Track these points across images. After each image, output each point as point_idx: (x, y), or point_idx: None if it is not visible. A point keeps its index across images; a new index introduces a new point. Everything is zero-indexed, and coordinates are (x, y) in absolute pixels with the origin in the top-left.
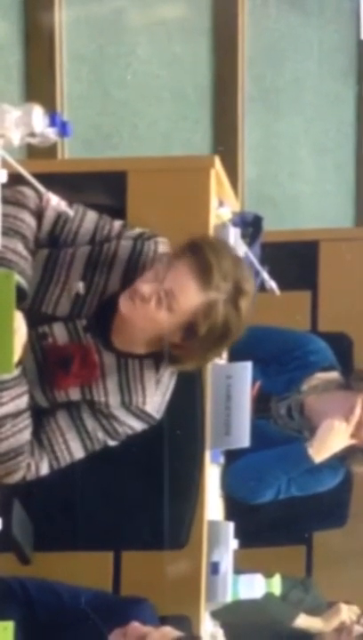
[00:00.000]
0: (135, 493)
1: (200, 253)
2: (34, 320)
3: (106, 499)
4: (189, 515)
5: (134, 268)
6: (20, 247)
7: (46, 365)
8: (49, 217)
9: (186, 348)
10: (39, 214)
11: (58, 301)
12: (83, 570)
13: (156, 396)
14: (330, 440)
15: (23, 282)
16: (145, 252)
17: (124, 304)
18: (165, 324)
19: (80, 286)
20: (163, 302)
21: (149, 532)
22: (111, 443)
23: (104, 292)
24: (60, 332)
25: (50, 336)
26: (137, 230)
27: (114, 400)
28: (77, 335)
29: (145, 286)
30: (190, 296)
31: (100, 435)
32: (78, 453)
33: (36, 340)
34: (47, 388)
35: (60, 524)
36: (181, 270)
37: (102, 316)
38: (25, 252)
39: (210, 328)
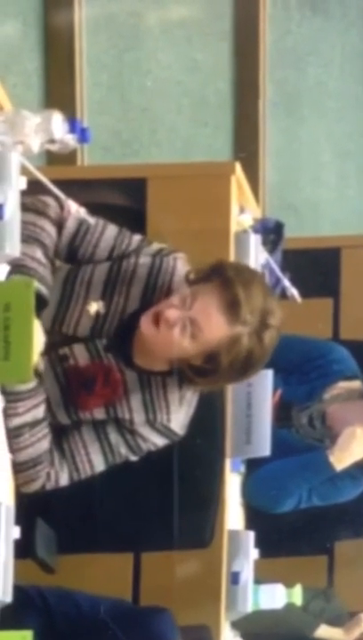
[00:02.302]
0: (155, 501)
1: (230, 285)
2: (54, 341)
3: (127, 506)
4: (212, 517)
5: (153, 285)
6: (39, 254)
7: (69, 387)
8: (69, 228)
9: (206, 372)
10: (60, 224)
11: (78, 321)
12: (103, 576)
13: (180, 413)
14: (352, 448)
15: (43, 289)
16: (164, 269)
17: (146, 327)
18: (186, 350)
19: (100, 305)
20: (187, 330)
21: (171, 532)
22: (133, 458)
23: (124, 311)
24: (80, 353)
25: (71, 357)
26: (155, 246)
27: (138, 417)
28: (98, 355)
29: (171, 312)
30: (216, 329)
31: (123, 450)
32: (99, 467)
33: (58, 362)
34: (71, 409)
35: (81, 528)
36: (209, 301)
37: (123, 335)
38: (44, 260)
39: (232, 360)
